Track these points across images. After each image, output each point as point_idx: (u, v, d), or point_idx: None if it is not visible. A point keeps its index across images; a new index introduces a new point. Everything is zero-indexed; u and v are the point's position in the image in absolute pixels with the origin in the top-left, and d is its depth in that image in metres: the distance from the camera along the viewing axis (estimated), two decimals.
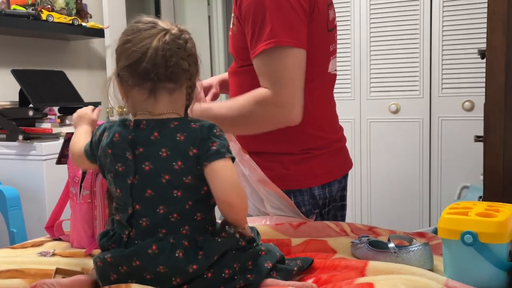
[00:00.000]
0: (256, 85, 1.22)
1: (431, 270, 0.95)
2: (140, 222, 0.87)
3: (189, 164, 0.85)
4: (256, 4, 1.15)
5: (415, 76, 2.70)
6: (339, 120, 1.44)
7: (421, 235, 1.19)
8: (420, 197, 2.75)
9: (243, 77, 1.25)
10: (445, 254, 0.91)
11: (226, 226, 0.90)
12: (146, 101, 0.89)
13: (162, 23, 0.89)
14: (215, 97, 1.46)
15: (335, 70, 1.38)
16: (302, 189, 1.30)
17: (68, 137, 1.29)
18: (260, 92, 1.18)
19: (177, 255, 0.83)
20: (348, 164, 1.44)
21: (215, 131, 0.87)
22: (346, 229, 1.23)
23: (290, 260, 0.99)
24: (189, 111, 0.96)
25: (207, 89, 1.44)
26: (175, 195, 0.86)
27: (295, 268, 0.95)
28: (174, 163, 0.85)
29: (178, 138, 0.85)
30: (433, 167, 2.72)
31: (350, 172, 1.45)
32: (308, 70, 1.23)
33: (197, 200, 0.87)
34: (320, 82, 1.30)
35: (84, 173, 1.19)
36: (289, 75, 1.16)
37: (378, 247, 1.03)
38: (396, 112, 2.76)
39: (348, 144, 1.46)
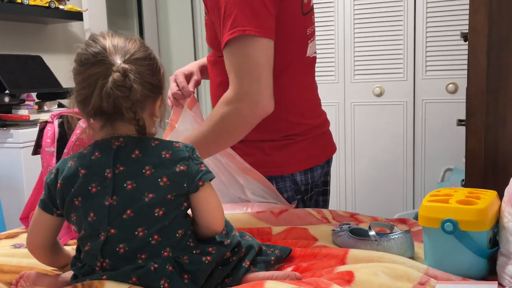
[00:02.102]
0: None
1: (412, 258, 0.94)
2: (117, 249, 0.81)
3: (175, 180, 0.83)
4: None
5: (399, 59, 2.68)
6: (323, 104, 1.42)
7: (402, 221, 1.19)
8: (404, 179, 2.75)
9: (222, 67, 1.21)
10: (425, 242, 0.90)
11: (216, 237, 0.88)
12: (105, 128, 0.86)
13: (113, 51, 0.83)
14: (197, 84, 1.43)
15: (315, 53, 1.35)
16: (283, 175, 1.28)
17: (43, 126, 1.25)
18: (224, 95, 1.14)
19: (162, 286, 0.79)
20: (331, 149, 1.42)
21: (197, 153, 0.87)
22: (328, 217, 1.22)
23: (268, 247, 0.98)
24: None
25: (188, 77, 1.40)
26: (156, 214, 0.82)
27: (273, 258, 0.94)
28: (159, 180, 0.82)
29: (163, 156, 0.84)
30: (417, 150, 2.72)
31: (334, 156, 1.44)
32: (285, 57, 1.20)
33: (177, 216, 0.84)
34: (298, 68, 1.27)
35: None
36: (253, 66, 1.10)
37: (359, 235, 1.02)
38: (380, 95, 2.74)
39: (332, 128, 1.43)
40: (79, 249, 0.87)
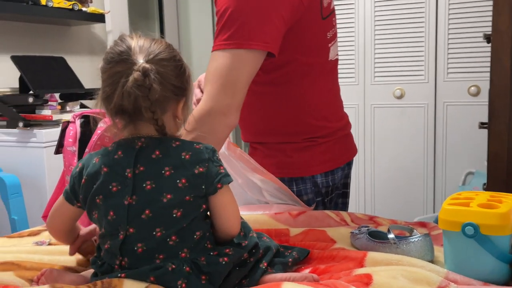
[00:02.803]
0: (260, 82, 1.18)
1: (432, 261, 0.93)
2: (135, 248, 0.82)
3: (194, 182, 0.83)
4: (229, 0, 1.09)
5: (420, 61, 2.66)
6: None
7: (422, 225, 1.17)
8: (425, 183, 2.72)
9: None
10: (445, 246, 0.89)
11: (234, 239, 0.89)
12: (128, 127, 0.87)
13: (137, 51, 0.84)
14: None
15: (337, 55, 1.34)
16: (304, 177, 1.28)
17: (65, 126, 1.27)
18: (199, 108, 1.11)
19: (179, 287, 0.79)
20: (352, 151, 1.41)
21: (217, 154, 0.87)
22: (347, 219, 1.21)
23: (286, 248, 0.98)
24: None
25: None
26: (174, 215, 0.82)
27: (290, 260, 0.93)
28: (178, 181, 0.82)
29: (183, 157, 0.84)
30: (437, 153, 2.68)
31: (354, 159, 1.43)
32: (306, 62, 1.19)
33: (195, 218, 0.84)
34: (320, 72, 1.26)
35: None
36: (235, 81, 1.08)
37: (378, 238, 1.01)
38: (400, 97, 2.72)
39: (351, 130, 1.43)
40: (99, 247, 0.88)
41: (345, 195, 1.42)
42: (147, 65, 0.82)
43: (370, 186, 2.86)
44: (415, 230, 1.01)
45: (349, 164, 1.39)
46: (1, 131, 2.23)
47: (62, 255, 1.04)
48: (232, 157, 1.28)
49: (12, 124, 2.19)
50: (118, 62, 0.83)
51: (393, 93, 2.73)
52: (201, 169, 0.83)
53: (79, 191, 0.87)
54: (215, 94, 1.08)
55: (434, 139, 2.68)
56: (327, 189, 1.32)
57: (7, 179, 2.00)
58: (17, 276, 0.92)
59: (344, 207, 1.43)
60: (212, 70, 1.10)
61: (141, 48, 0.84)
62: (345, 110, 1.42)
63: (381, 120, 2.79)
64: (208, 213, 0.88)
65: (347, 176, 1.40)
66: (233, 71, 1.08)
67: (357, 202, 2.88)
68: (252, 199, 1.31)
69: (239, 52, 1.08)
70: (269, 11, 1.09)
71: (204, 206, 0.85)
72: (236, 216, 0.89)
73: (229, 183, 0.86)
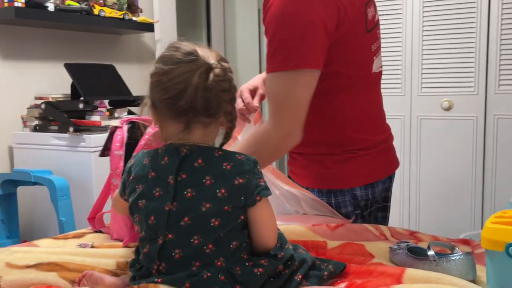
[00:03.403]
0: None
1: (473, 281, 0.90)
2: (173, 254, 0.84)
3: (233, 193, 0.84)
4: (278, 18, 1.10)
5: (470, 72, 2.58)
6: (388, 117, 1.39)
7: (465, 242, 1.13)
8: (473, 199, 2.63)
9: None
10: (488, 266, 0.86)
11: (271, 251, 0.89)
12: (180, 133, 0.88)
13: (203, 53, 0.86)
14: (262, 98, 1.42)
15: (381, 67, 1.32)
16: (343, 189, 1.26)
17: (113, 130, 1.30)
18: (264, 127, 1.16)
19: None
20: (394, 164, 1.38)
21: (258, 167, 0.88)
22: (386, 233, 1.19)
23: (322, 261, 0.97)
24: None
25: (253, 92, 1.41)
26: (212, 224, 0.83)
27: (326, 273, 0.93)
28: (217, 191, 0.83)
29: (224, 167, 0.85)
30: (487, 168, 2.59)
31: (398, 172, 1.40)
32: (349, 75, 1.19)
33: (233, 228, 0.85)
34: (363, 85, 1.25)
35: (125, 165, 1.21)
36: (295, 101, 1.12)
37: (417, 254, 0.99)
38: (448, 109, 2.64)
39: (397, 142, 1.40)
40: (139, 250, 0.91)
41: (385, 208, 1.40)
42: (225, 64, 0.87)
43: (415, 200, 2.79)
44: (456, 248, 0.98)
45: (390, 178, 1.36)
46: (52, 135, 2.32)
47: (103, 258, 1.07)
48: (267, 172, 1.29)
49: (63, 129, 2.29)
50: (188, 61, 0.85)
51: (440, 105, 2.66)
52: (241, 180, 0.84)
53: (126, 185, 0.91)
54: (281, 118, 1.13)
55: (483, 154, 2.59)
56: (366, 202, 1.29)
57: (56, 182, 2.08)
58: (60, 277, 0.96)
59: (384, 221, 1.40)
60: (274, 94, 1.14)
61: (207, 52, 0.88)
62: (391, 121, 1.40)
63: (427, 132, 2.72)
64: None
65: (388, 190, 1.38)
66: (294, 94, 1.12)
67: (401, 216, 2.81)
68: (290, 209, 1.30)
69: (297, 74, 1.10)
70: (316, 28, 1.10)
71: (242, 217, 0.86)
72: (273, 229, 0.89)
73: (268, 196, 0.87)
